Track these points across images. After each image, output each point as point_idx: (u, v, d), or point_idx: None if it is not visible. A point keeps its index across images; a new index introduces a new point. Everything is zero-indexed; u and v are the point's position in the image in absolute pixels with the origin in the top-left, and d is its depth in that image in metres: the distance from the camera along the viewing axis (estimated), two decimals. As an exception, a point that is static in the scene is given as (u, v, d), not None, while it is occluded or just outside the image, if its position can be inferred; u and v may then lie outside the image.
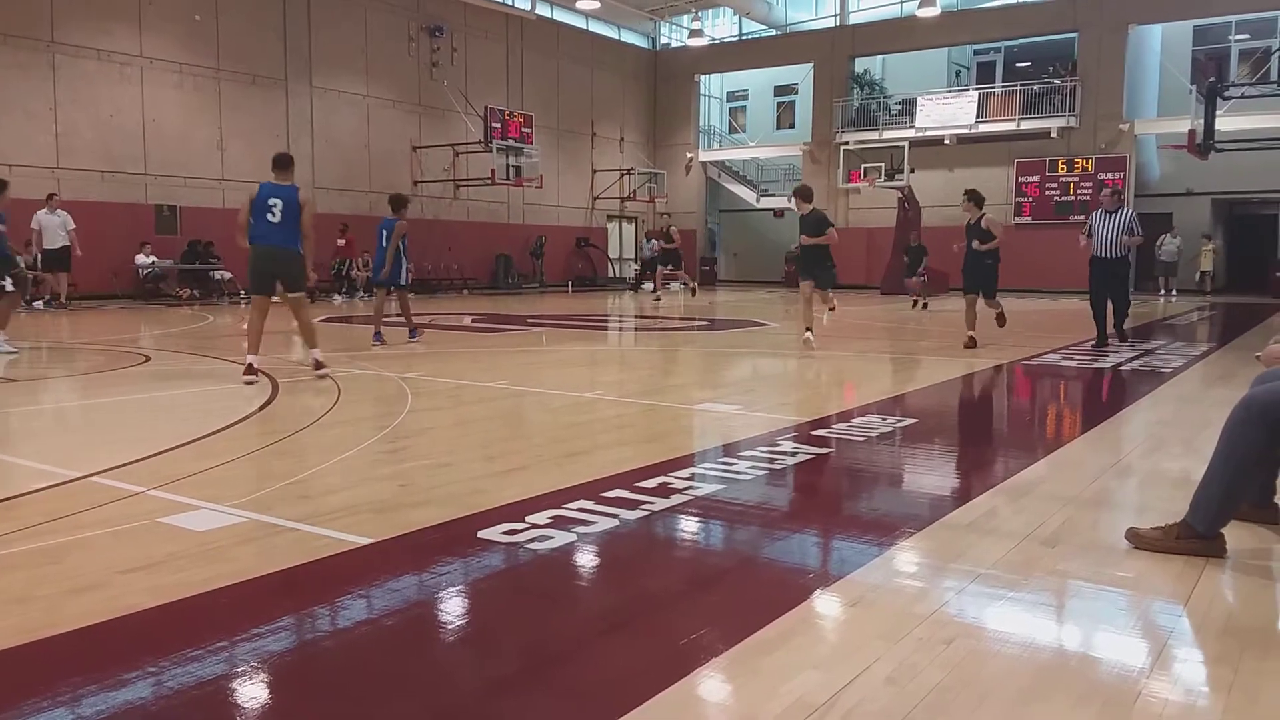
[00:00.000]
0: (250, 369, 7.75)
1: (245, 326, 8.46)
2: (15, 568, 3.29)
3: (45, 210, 16.70)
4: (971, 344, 11.05)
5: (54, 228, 16.69)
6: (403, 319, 12.03)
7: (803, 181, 14.36)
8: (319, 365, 8.14)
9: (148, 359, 9.61)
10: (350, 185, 24.68)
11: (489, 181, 26.31)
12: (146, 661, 2.56)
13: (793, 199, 11.31)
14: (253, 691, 2.45)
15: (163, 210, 20.45)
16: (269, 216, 7.80)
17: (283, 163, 8.10)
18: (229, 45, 21.73)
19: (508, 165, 26.99)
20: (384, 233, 11.57)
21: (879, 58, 33.28)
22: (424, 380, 8.15)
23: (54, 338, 12.17)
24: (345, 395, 7.27)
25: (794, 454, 5.25)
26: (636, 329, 16.16)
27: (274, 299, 8.15)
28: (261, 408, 6.69)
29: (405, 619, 2.96)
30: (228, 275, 20.43)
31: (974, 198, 11.35)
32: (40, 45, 18.74)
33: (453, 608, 3.08)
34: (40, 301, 17.03)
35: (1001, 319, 11.68)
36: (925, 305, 19.92)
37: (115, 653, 2.66)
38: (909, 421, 6.43)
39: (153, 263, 19.94)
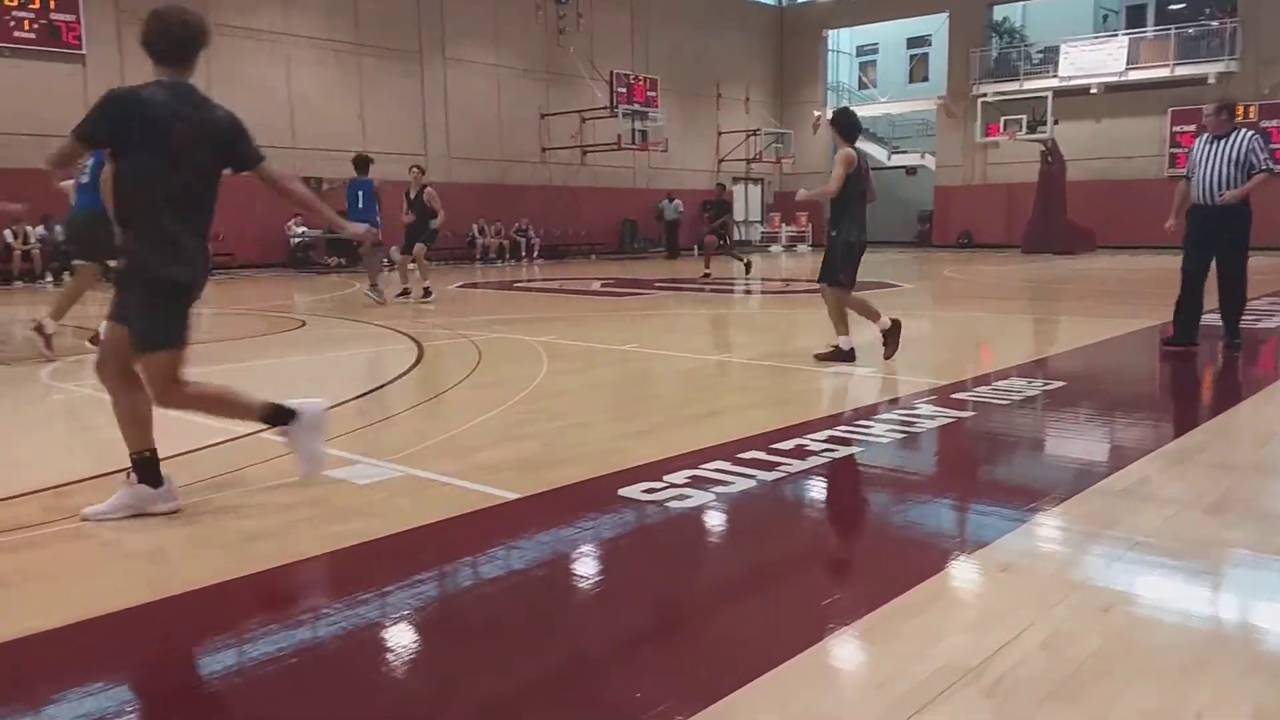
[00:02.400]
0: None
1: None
2: (199, 515, 3.57)
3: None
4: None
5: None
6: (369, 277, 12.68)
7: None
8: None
9: (303, 324, 10.16)
10: (482, 154, 25.25)
11: (615, 146, 26.48)
12: (318, 604, 2.76)
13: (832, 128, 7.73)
14: (412, 634, 2.61)
15: (309, 182, 21.42)
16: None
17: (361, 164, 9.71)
18: (367, 20, 22.46)
19: (633, 130, 27.11)
20: (360, 193, 12.15)
21: (1019, 4, 31.67)
22: (558, 343, 8.33)
23: (216, 305, 12.98)
24: (485, 358, 7.52)
25: (932, 417, 5.15)
26: (763, 291, 16.03)
27: None
28: (410, 369, 7.00)
29: (552, 571, 3.08)
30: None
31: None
32: (196, 28, 19.80)
33: (596, 562, 3.18)
34: (49, 279, 16.86)
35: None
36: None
37: (291, 595, 2.87)
38: (1055, 385, 6.20)
39: (303, 233, 20.97)
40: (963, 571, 2.97)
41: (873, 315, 7.22)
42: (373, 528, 3.38)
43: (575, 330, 9.58)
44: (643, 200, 29.42)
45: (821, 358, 7.15)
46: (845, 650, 2.44)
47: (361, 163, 12.65)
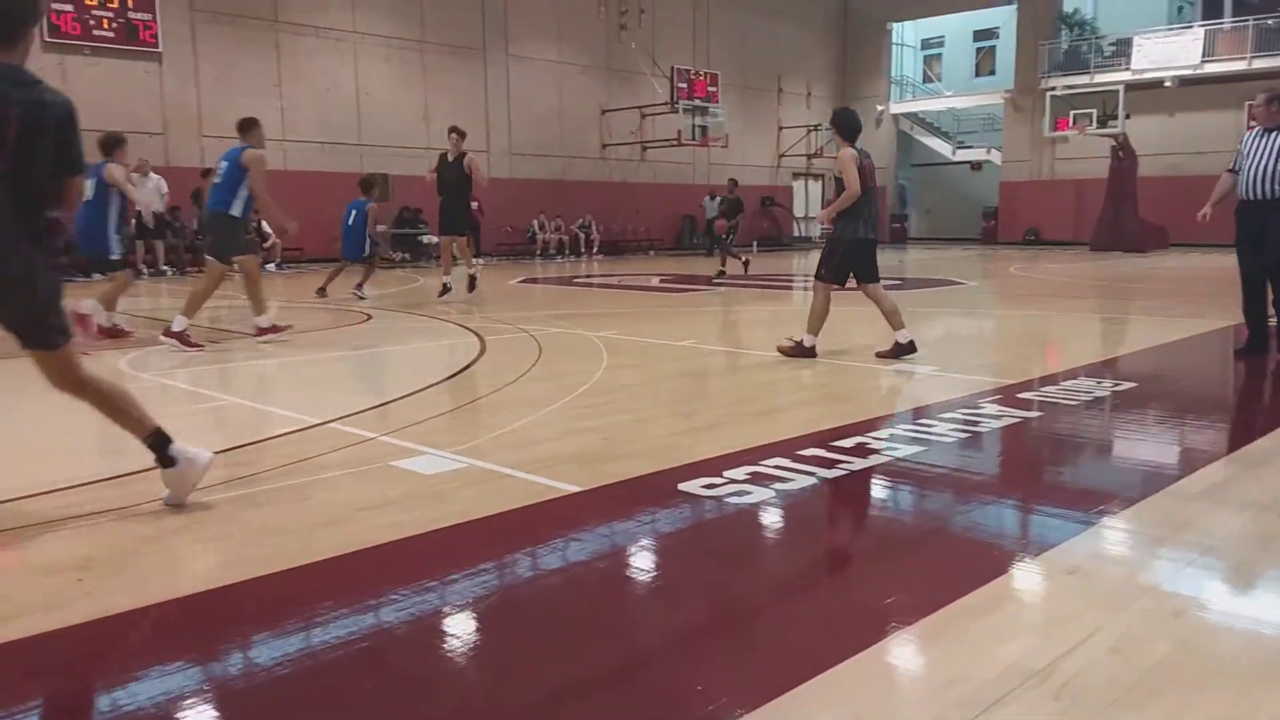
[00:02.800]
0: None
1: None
2: (269, 503, 3.68)
3: (138, 174, 16.49)
4: None
5: (149, 192, 16.62)
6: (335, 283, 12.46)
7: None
8: (260, 331, 8.30)
9: (369, 317, 10.36)
10: (543, 150, 25.44)
11: (675, 142, 26.47)
12: (387, 590, 2.82)
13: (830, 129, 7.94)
14: (475, 623, 2.65)
15: (375, 179, 21.78)
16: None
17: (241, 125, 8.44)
18: (432, 18, 22.77)
19: (693, 125, 27.06)
20: (353, 213, 12.28)
21: (1091, -5, 30.91)
22: (617, 339, 8.38)
23: (286, 297, 13.28)
24: (546, 352, 7.59)
25: (998, 417, 5.07)
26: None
27: None
28: (472, 363, 7.10)
29: (613, 564, 3.11)
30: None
31: None
32: (265, 25, 20.29)
33: (656, 556, 3.21)
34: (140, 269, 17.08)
35: None
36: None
37: (360, 582, 2.94)
38: (1125, 386, 6.06)
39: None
40: (1028, 574, 2.93)
41: (815, 329, 7.19)
42: (438, 517, 3.45)
43: (634, 326, 9.62)
44: (701, 196, 29.37)
45: (883, 355, 7.14)
46: (908, 649, 2.43)
47: (365, 184, 12.84)
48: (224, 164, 8.10)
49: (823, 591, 2.88)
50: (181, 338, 7.74)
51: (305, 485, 3.89)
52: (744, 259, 17.58)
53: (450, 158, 11.78)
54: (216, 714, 2.16)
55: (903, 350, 7.08)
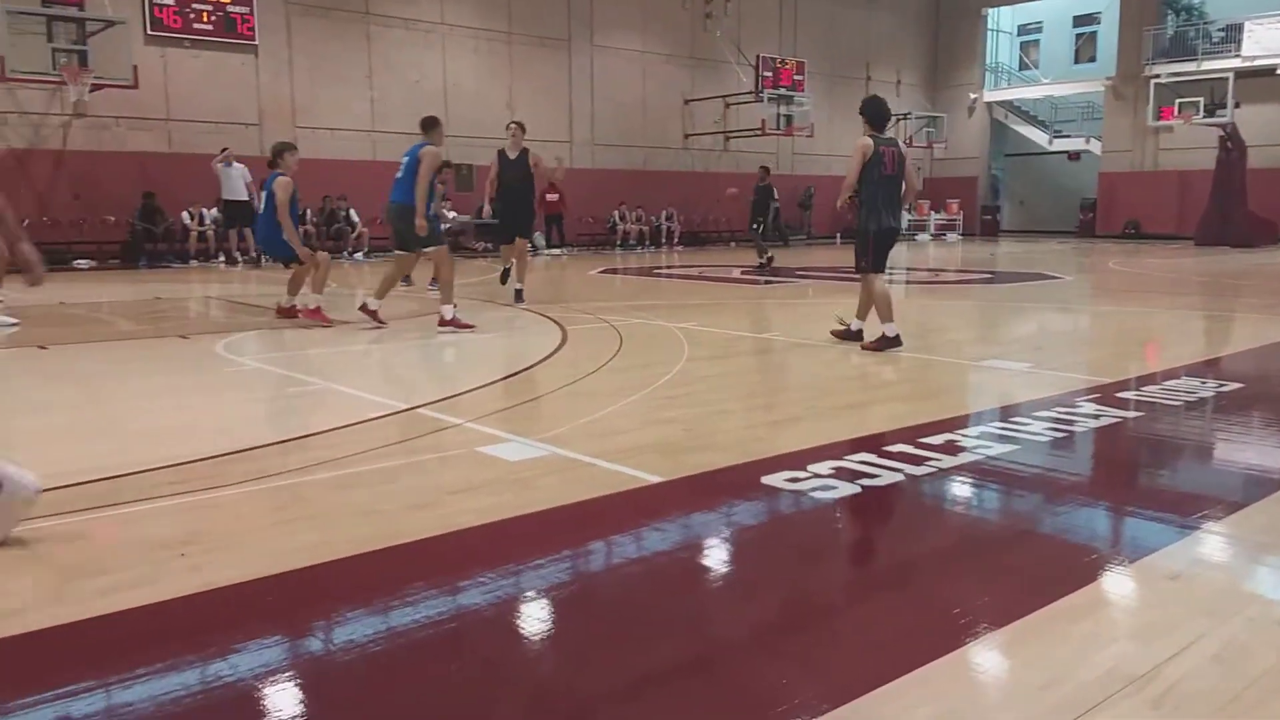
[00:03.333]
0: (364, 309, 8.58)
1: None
2: (361, 485, 3.77)
3: (222, 163, 17.25)
4: None
5: (234, 180, 17.28)
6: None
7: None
8: (442, 321, 8.32)
9: (454, 305, 10.52)
10: (626, 140, 25.48)
11: (759, 132, 26.23)
12: (476, 572, 2.87)
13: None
14: (557, 609, 2.68)
15: (461, 169, 22.11)
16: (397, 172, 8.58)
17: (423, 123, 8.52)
18: (519, 9, 22.98)
19: (778, 114, 26.76)
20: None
21: (1199, -22, 29.53)
22: (698, 330, 8.35)
23: (374, 286, 13.59)
24: (627, 343, 7.61)
25: (1095, 417, 4.90)
26: (907, 281, 15.60)
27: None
28: (554, 352, 7.17)
29: (695, 555, 3.10)
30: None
31: None
32: (357, 17, 20.74)
33: (739, 548, 3.19)
34: (221, 259, 17.64)
35: None
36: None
37: (448, 564, 2.99)
38: (1230, 386, 5.79)
39: (453, 218, 21.68)
40: (1128, 578, 2.83)
41: (883, 314, 7.18)
42: (523, 502, 3.49)
43: (715, 317, 9.58)
44: (784, 187, 28.95)
45: (867, 348, 7.17)
46: (1001, 650, 2.37)
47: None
48: (406, 159, 8.36)
49: (911, 590, 2.82)
50: (455, 322, 8.27)
51: (395, 469, 3.98)
52: (767, 256, 16.67)
53: (512, 155, 10.21)
54: (311, 688, 2.22)
55: (889, 343, 7.05)
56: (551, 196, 22.46)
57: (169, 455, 4.09)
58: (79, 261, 16.95)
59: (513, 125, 10.33)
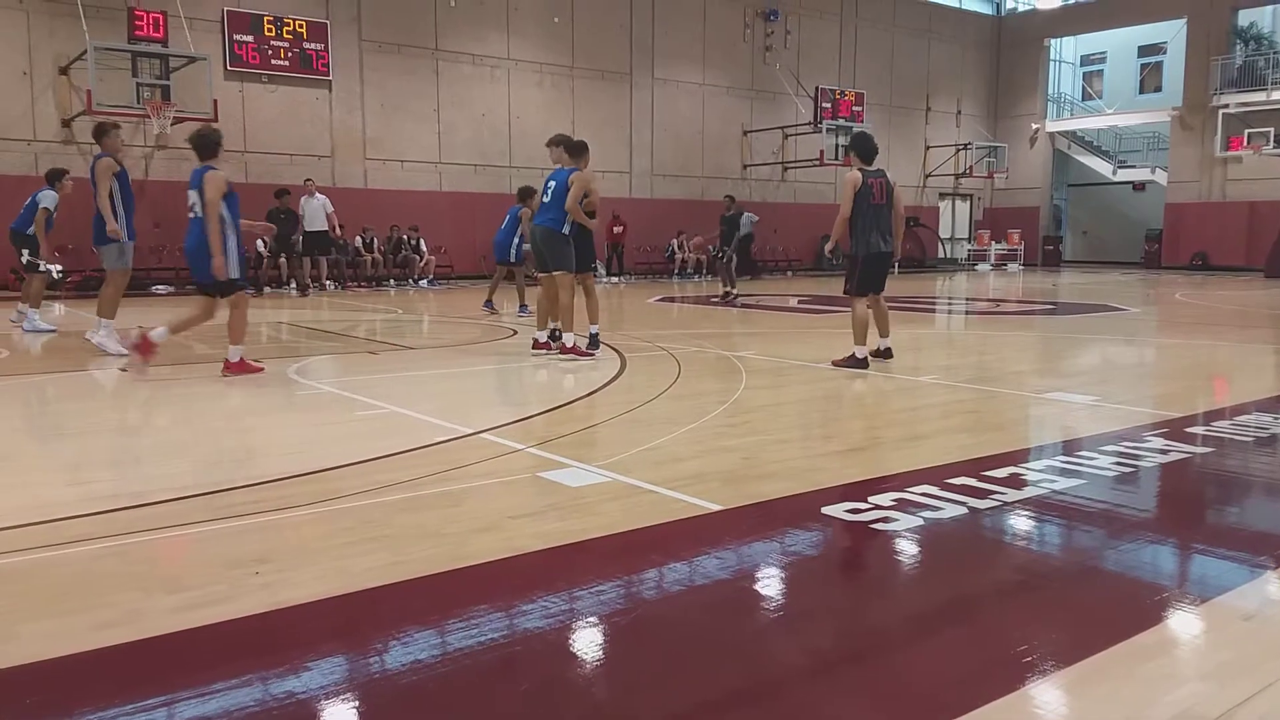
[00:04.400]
0: (536, 344, 8.60)
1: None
2: (428, 507, 3.85)
3: (305, 195, 17.69)
4: None
5: (314, 211, 17.71)
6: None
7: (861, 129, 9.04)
8: (564, 349, 8.23)
9: (514, 333, 10.69)
10: (685, 171, 25.67)
11: (817, 163, 26.23)
12: (539, 595, 2.92)
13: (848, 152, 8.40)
14: (617, 635, 2.71)
15: (527, 200, 22.50)
16: (544, 197, 8.31)
17: (569, 147, 8.34)
18: (582, 44, 23.39)
19: (837, 145, 26.72)
20: (506, 219, 9.58)
21: (1268, 7, 28.88)
22: (755, 359, 8.36)
23: (438, 312, 13.86)
24: (685, 370, 7.65)
25: (1163, 452, 4.81)
26: (967, 312, 15.41)
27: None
28: (614, 379, 7.23)
29: (755, 585, 3.11)
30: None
31: None
32: (426, 53, 21.30)
33: (799, 579, 3.19)
34: (294, 287, 17.74)
35: None
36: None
37: (512, 587, 3.04)
38: (1307, 423, 5.63)
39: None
40: (1200, 618, 2.77)
41: (861, 339, 7.76)
42: (585, 528, 3.54)
43: (773, 346, 9.58)
44: (844, 217, 28.97)
45: (836, 364, 7.81)
46: (1068, 689, 2.33)
47: (521, 193, 11.89)
48: (553, 183, 8.27)
49: (973, 625, 2.80)
50: (575, 350, 8.21)
51: (460, 492, 4.06)
52: (730, 289, 15.96)
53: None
54: (377, 707, 2.28)
55: (857, 363, 7.67)
56: (617, 228, 22.68)
57: (242, 476, 4.23)
58: (157, 287, 17.58)
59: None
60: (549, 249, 8.38)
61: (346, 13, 20.17)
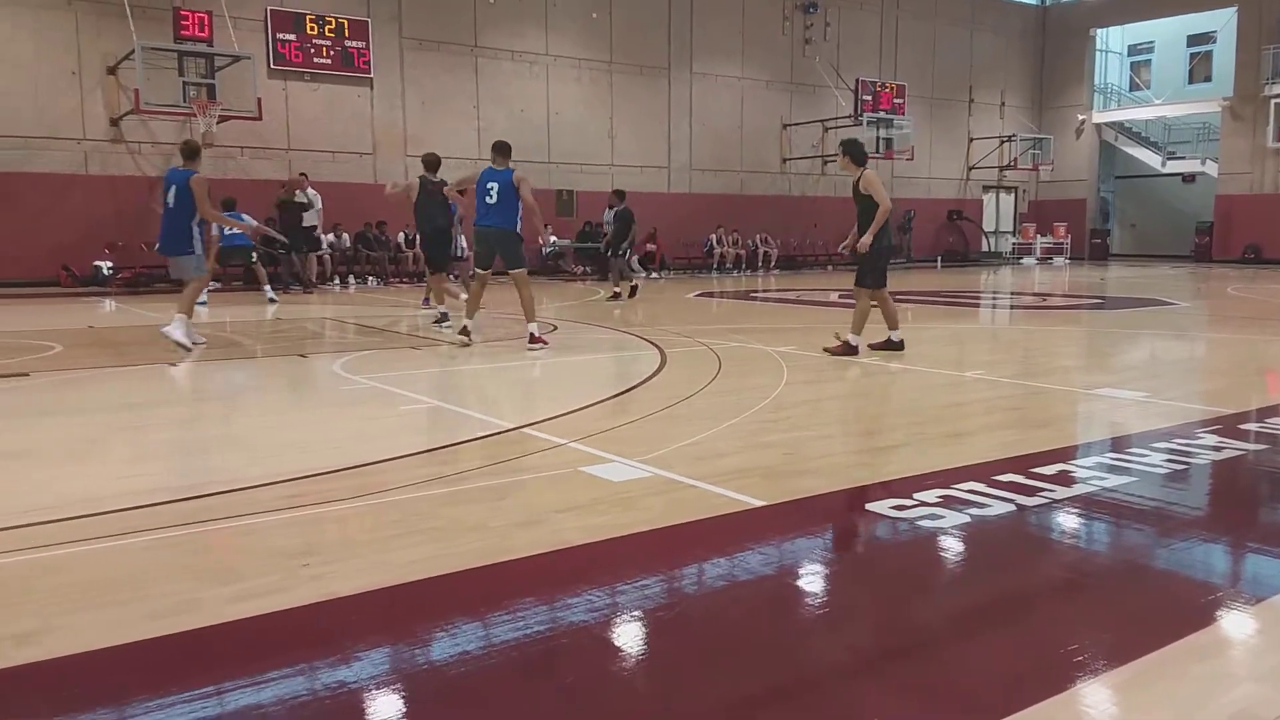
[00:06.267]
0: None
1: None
2: (474, 501, 3.89)
3: (297, 190, 17.11)
4: None
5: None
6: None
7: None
8: (533, 339, 8.55)
9: (554, 328, 10.73)
10: (723, 165, 25.58)
11: (858, 156, 25.99)
12: (583, 590, 2.93)
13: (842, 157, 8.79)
14: (662, 628, 2.71)
15: (562, 195, 22.55)
16: (487, 199, 8.56)
17: (501, 149, 8.74)
18: (620, 39, 23.38)
19: (878, 138, 26.52)
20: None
21: (1324, -7, 28.10)
22: (796, 354, 8.32)
23: (488, 306, 13.93)
24: (726, 365, 7.64)
25: (1216, 449, 4.71)
26: (1012, 306, 15.20)
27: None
28: (654, 374, 7.24)
29: (799, 581, 3.10)
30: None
31: None
32: (465, 50, 21.41)
33: (842, 576, 3.18)
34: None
35: None
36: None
37: (556, 581, 3.06)
38: (1367, 420, 5.48)
39: (554, 242, 22.09)
40: (1253, 618, 2.71)
41: (858, 327, 8.20)
42: (628, 523, 3.55)
43: (814, 341, 9.50)
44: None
45: (875, 347, 8.27)
46: (1120, 690, 2.30)
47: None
48: (494, 184, 8.56)
49: (1022, 625, 2.77)
50: (539, 339, 8.64)
51: (503, 486, 4.09)
52: (631, 283, 15.11)
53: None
54: (425, 698, 2.31)
55: (848, 350, 8.09)
56: (651, 246, 22.40)
57: (290, 470, 4.29)
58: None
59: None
60: (504, 248, 8.75)
61: (387, 10, 20.33)
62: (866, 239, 8.15)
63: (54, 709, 2.24)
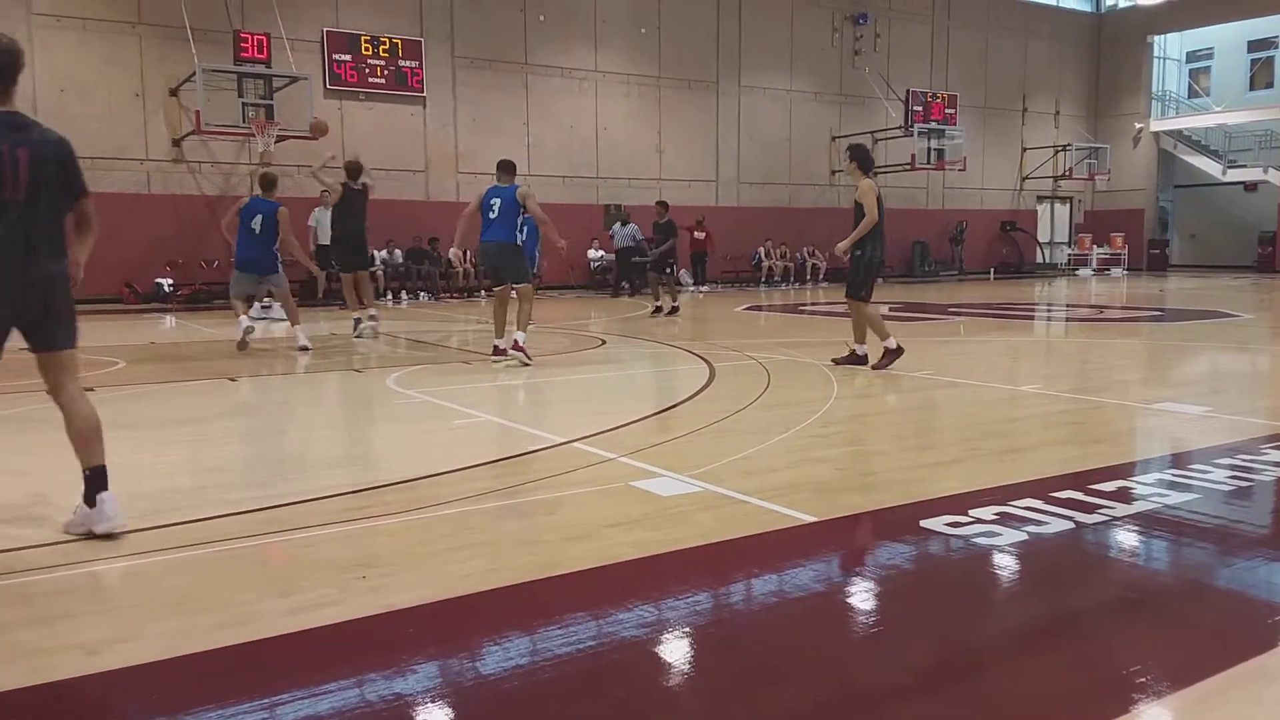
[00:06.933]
0: (496, 350, 8.81)
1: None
2: (524, 515, 3.92)
3: (319, 206, 17.37)
4: None
5: (325, 224, 16.69)
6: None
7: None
8: (515, 347, 8.52)
9: (603, 342, 10.79)
10: (771, 178, 25.52)
11: (908, 167, 25.78)
12: (634, 604, 2.94)
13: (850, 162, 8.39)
14: (714, 644, 2.71)
15: (610, 209, 22.68)
16: (489, 214, 8.68)
17: (505, 167, 8.91)
18: (669, 54, 23.50)
19: (929, 149, 26.27)
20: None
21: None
22: (847, 368, 8.25)
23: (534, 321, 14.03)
24: (775, 379, 7.61)
25: (1283, 465, 4.58)
26: (1068, 319, 14.93)
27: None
28: (703, 389, 7.24)
29: (854, 598, 3.08)
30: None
31: None
32: (516, 68, 21.67)
33: (897, 594, 3.14)
34: (389, 297, 17.63)
35: None
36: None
37: (608, 594, 3.08)
38: None
39: (600, 256, 22.21)
40: (1326, 641, 2.63)
41: (882, 333, 8.13)
42: (679, 537, 3.55)
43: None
44: (934, 222, 28.42)
45: (838, 361, 8.32)
46: (1184, 713, 2.25)
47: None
48: (497, 200, 8.70)
49: (1082, 645, 2.71)
50: (523, 349, 8.59)
51: (555, 500, 4.12)
52: (674, 301, 14.64)
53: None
54: (478, 711, 2.33)
55: (856, 360, 8.21)
56: (699, 235, 22.51)
57: (346, 483, 4.36)
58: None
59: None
60: (505, 263, 8.84)
61: (440, 30, 20.67)
62: (844, 245, 8.13)
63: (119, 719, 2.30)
